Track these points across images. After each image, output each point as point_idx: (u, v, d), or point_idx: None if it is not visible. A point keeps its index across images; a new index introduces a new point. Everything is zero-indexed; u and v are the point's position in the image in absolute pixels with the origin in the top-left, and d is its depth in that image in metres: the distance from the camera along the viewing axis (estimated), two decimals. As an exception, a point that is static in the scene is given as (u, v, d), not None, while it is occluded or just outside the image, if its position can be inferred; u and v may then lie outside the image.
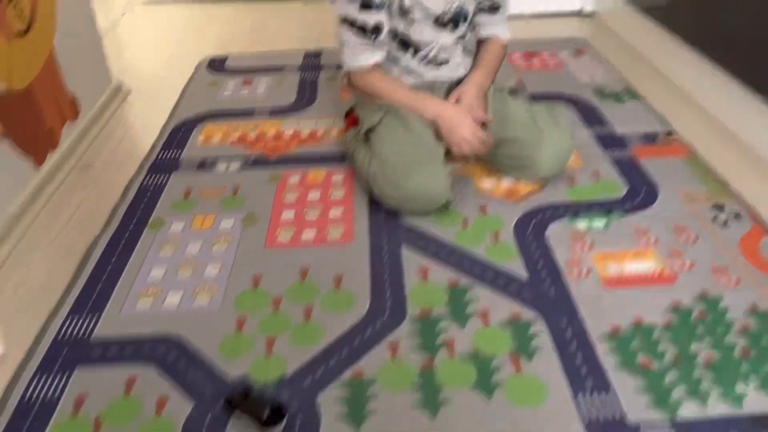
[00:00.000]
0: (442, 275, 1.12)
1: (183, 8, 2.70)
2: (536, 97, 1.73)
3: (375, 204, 1.30)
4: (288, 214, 1.29)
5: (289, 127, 1.63)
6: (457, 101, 1.33)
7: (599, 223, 1.23)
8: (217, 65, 2.04)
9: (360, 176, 1.35)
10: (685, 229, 1.20)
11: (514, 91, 1.42)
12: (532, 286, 1.08)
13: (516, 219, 1.25)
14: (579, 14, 2.40)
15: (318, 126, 1.63)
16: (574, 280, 1.09)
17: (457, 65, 1.39)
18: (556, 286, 1.08)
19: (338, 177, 1.41)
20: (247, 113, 1.71)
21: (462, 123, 1.28)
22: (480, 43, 1.45)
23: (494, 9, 1.41)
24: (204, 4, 2.73)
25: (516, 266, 1.13)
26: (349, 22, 1.27)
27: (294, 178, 1.41)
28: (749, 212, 1.24)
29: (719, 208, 1.26)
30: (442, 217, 1.27)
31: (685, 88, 1.75)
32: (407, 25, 1.30)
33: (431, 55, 1.35)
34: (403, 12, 1.29)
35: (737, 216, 1.23)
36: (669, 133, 1.53)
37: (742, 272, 1.09)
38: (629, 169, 1.40)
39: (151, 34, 2.45)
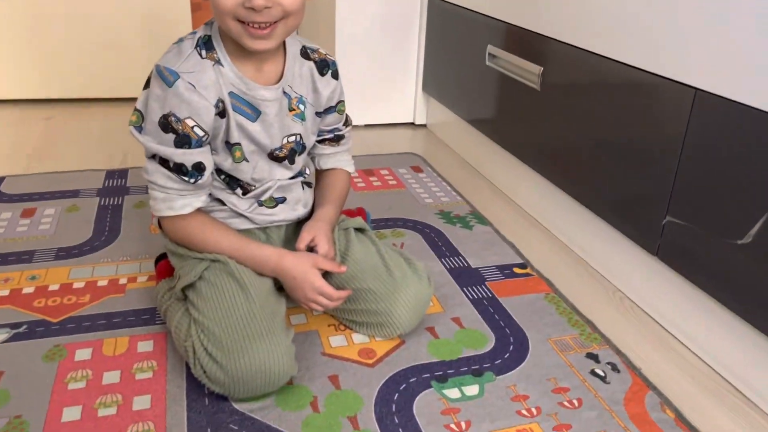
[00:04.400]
0: (290, 492, 0.84)
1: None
2: (381, 225, 1.56)
3: (196, 385, 1.00)
4: (71, 414, 0.94)
5: (80, 275, 1.28)
6: (310, 248, 1.11)
7: (472, 390, 1.04)
8: (-13, 189, 1.64)
9: (177, 345, 1.05)
10: (566, 390, 1.05)
11: (360, 230, 1.22)
12: (407, 496, 0.85)
13: (376, 392, 1.03)
14: (412, 125, 2.34)
15: (121, 272, 1.31)
16: (455, 479, 0.88)
17: (296, 203, 1.17)
18: (436, 491, 0.86)
19: (146, 345, 1.10)
20: (23, 257, 1.34)
21: (309, 280, 1.05)
22: (320, 173, 1.25)
23: (338, 139, 1.23)
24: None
25: (383, 466, 0.89)
26: (162, 161, 1.01)
27: (83, 353, 1.07)
28: (623, 360, 1.13)
29: (593, 358, 1.13)
30: (285, 398, 1.00)
31: (528, 209, 1.69)
32: (235, 162, 1.07)
33: (265, 195, 1.12)
34: (230, 146, 1.05)
35: (614, 368, 1.11)
36: (523, 266, 1.42)
37: (636, 446, 0.95)
38: (492, 313, 1.24)
39: None
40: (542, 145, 1.55)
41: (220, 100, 1.01)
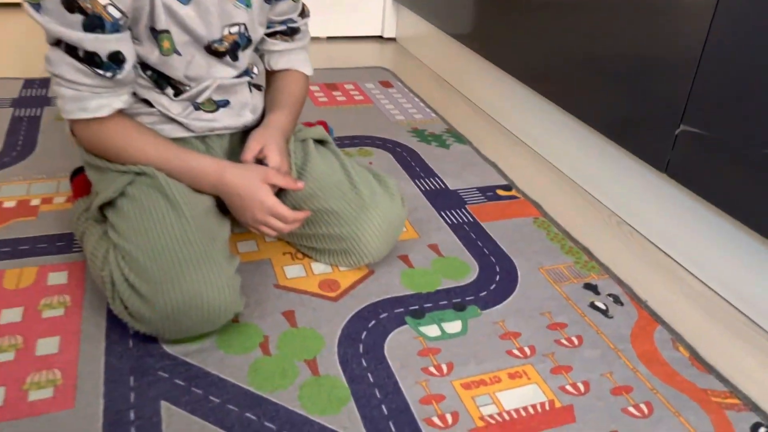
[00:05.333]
0: (231, 454, 0.67)
1: None
2: (345, 143, 1.36)
3: (117, 324, 0.82)
4: (-43, 360, 0.75)
5: (-17, 194, 1.07)
6: (259, 160, 0.91)
7: (453, 327, 0.88)
8: None
9: (93, 275, 0.86)
10: (563, 326, 0.90)
11: (321, 141, 1.02)
12: (378, 455, 0.69)
13: (339, 330, 0.85)
14: (380, 39, 2.11)
15: (33, 191, 1.09)
16: (436, 433, 0.72)
17: (242, 107, 0.96)
18: (413, 449, 0.70)
19: (59, 277, 0.90)
20: None
21: (258, 198, 0.85)
22: (271, 74, 1.04)
23: (292, 33, 1.01)
24: None
25: (348, 421, 0.72)
26: (68, 49, 0.78)
27: (-21, 286, 0.87)
28: (626, 292, 0.98)
29: (592, 289, 0.98)
30: (229, 338, 0.82)
31: (512, 128, 1.51)
32: (163, 55, 0.85)
33: (203, 96, 0.91)
34: (156, 34, 0.83)
35: (616, 300, 0.96)
36: (508, 188, 1.25)
37: (649, 392, 0.80)
38: (474, 240, 1.07)
39: None
40: (533, 54, 1.36)
41: None
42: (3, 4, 2.11)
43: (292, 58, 1.03)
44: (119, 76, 0.80)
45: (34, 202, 1.06)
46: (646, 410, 0.77)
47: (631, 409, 0.77)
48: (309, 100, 1.55)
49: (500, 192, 1.23)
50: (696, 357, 0.86)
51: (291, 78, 1.03)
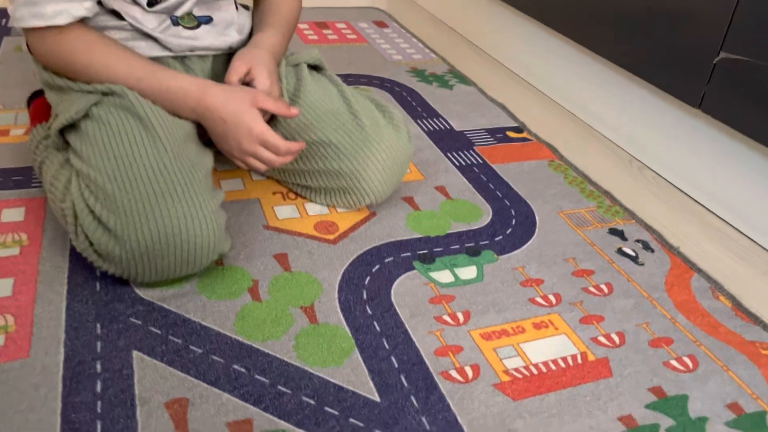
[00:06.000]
0: (214, 409, 0.57)
1: None
2: (339, 80, 1.24)
3: (82, 265, 0.70)
4: None
5: (-73, 124, 0.94)
6: (246, 81, 0.79)
7: (468, 272, 0.78)
8: None
9: (53, 209, 0.74)
10: (590, 273, 0.80)
11: (317, 67, 0.90)
12: (389, 414, 0.59)
13: (340, 275, 0.75)
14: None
15: (-13, 121, 0.96)
16: (455, 391, 0.62)
17: (227, 26, 0.84)
18: (429, 409, 0.60)
19: (14, 214, 0.78)
20: None
21: (246, 124, 0.73)
22: (259, -7, 0.92)
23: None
24: None
25: (352, 374, 0.62)
26: None
27: None
28: (656, 238, 0.88)
29: (618, 234, 0.88)
30: (212, 282, 0.71)
31: (519, 71, 1.39)
32: None
33: (181, 10, 0.78)
34: None
35: (646, 246, 0.86)
36: (519, 130, 1.14)
37: (692, 344, 0.71)
38: (485, 182, 0.97)
39: None
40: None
41: None
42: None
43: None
44: (81, -27, 0.68)
45: (-11, 133, 0.93)
46: (690, 364, 0.68)
47: (674, 363, 0.68)
48: (298, 38, 1.42)
49: (511, 134, 1.12)
50: (739, 307, 0.77)
51: (282, -5, 0.91)
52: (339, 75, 1.26)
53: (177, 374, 0.60)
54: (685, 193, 1.01)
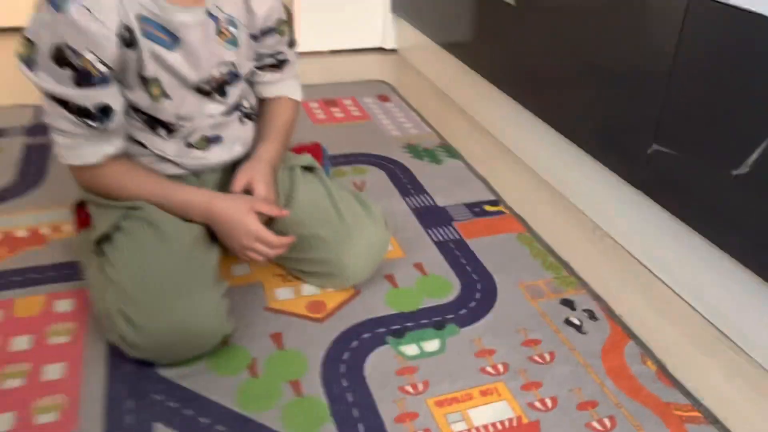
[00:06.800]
0: (217, 472, 0.73)
1: None
2: (341, 161, 1.42)
3: (117, 350, 0.89)
4: (-30, 387, 0.83)
5: (-4, 225, 1.15)
6: (247, 191, 0.97)
7: (431, 345, 0.93)
8: None
9: (93, 308, 0.92)
10: (537, 343, 0.94)
11: (309, 168, 1.08)
12: (352, 472, 0.74)
13: (324, 352, 0.91)
14: (382, 51, 2.16)
15: (43, 220, 1.16)
16: (408, 450, 0.77)
17: (234, 142, 1.02)
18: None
19: (65, 305, 0.97)
20: (-67, 206, 1.19)
21: (244, 225, 0.91)
22: (262, 101, 1.10)
23: (281, 64, 1.06)
24: None
25: (327, 438, 0.78)
26: (60, 102, 0.84)
27: (-8, 315, 0.94)
28: (602, 307, 1.02)
29: (569, 304, 1.02)
30: (218, 361, 0.88)
31: (504, 140, 1.54)
32: (153, 101, 0.90)
33: (195, 136, 0.97)
34: (146, 82, 0.88)
35: (591, 316, 1.00)
36: (495, 203, 1.29)
37: (613, 406, 0.84)
38: (458, 258, 1.12)
39: None
40: (519, 69, 1.40)
41: (125, 27, 0.83)
42: (16, 29, 2.19)
43: (282, 86, 1.09)
44: (108, 126, 0.87)
45: (44, 230, 1.13)
46: (609, 424, 0.81)
47: (595, 424, 0.81)
48: (307, 118, 1.60)
49: (487, 207, 1.27)
50: (663, 371, 0.90)
51: (280, 106, 1.09)
52: (341, 154, 1.44)
53: (188, 442, 0.77)
54: (639, 261, 1.14)
